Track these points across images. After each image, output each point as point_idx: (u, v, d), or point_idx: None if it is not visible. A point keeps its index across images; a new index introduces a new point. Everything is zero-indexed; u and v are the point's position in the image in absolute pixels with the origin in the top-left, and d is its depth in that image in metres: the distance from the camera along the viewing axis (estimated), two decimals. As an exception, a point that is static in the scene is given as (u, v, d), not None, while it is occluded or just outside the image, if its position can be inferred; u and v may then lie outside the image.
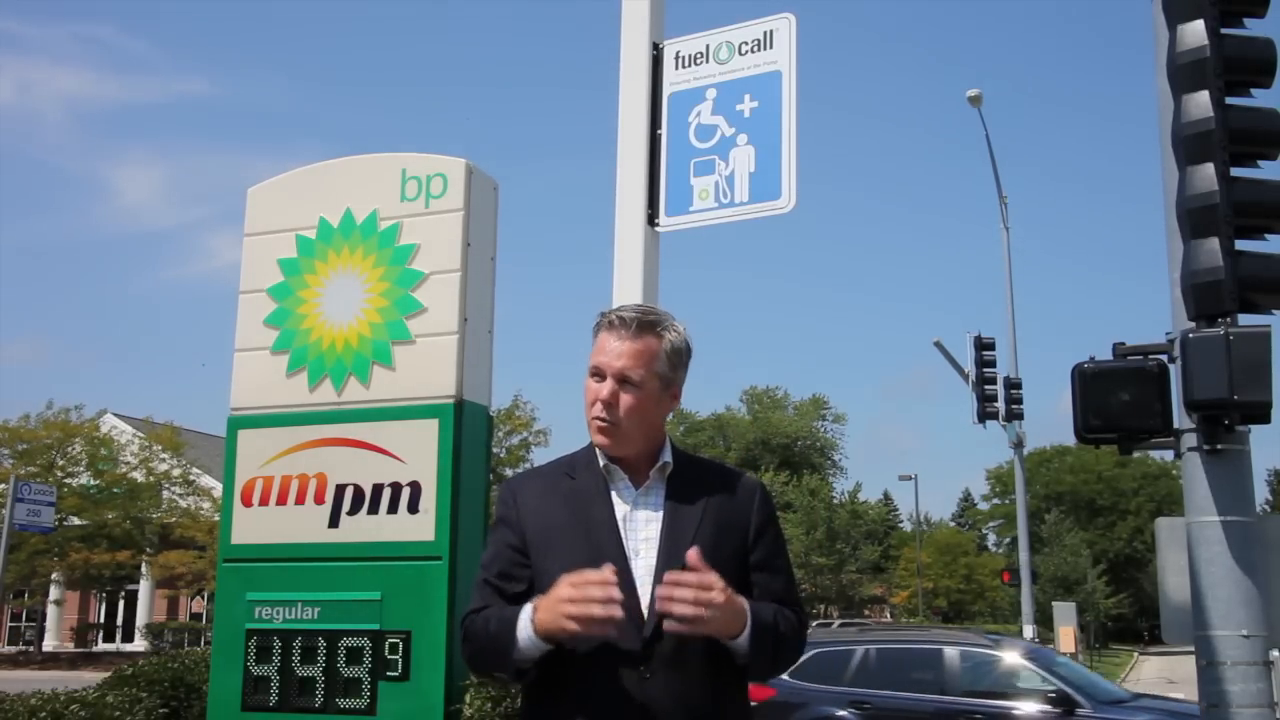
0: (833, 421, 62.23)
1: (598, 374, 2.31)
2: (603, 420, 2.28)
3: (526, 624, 2.14)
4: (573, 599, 2.06)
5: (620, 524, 2.27)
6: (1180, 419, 5.46)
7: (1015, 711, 9.29)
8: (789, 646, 2.29)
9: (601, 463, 2.33)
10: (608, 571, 2.08)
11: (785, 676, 10.19)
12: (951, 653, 10.01)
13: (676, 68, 5.29)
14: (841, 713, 9.65)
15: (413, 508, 4.59)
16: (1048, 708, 9.06)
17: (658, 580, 2.18)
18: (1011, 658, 10.03)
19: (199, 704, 6.44)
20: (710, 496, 2.32)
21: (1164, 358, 5.47)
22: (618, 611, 2.05)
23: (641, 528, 2.28)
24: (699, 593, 2.06)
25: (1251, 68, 5.33)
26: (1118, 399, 5.41)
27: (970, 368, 21.82)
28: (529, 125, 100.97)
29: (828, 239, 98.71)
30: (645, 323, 2.33)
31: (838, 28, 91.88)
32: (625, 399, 2.28)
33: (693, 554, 2.11)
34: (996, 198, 24.03)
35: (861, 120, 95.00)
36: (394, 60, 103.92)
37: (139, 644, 36.52)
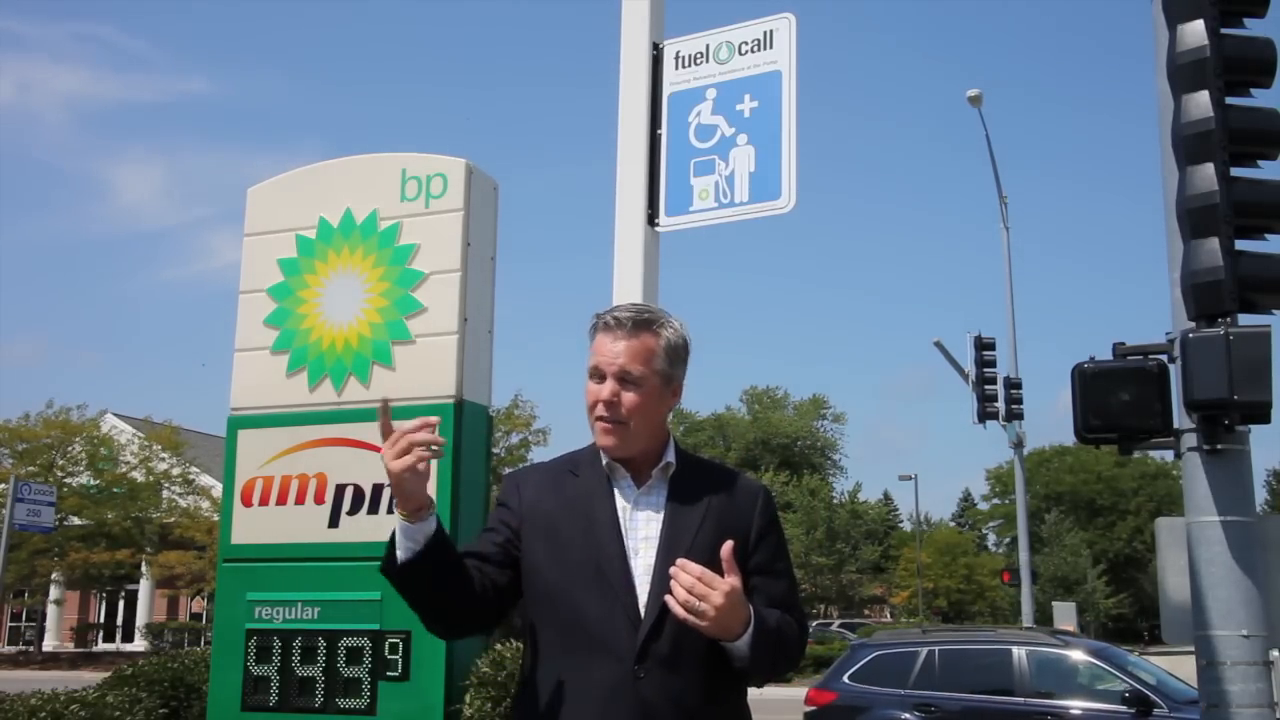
0: (833, 421, 62.30)
1: (597, 375, 2.30)
2: (606, 420, 2.27)
3: (396, 517, 2.15)
4: (392, 442, 2.07)
5: (621, 522, 2.27)
6: (1180, 419, 5.46)
7: (1089, 713, 9.04)
8: (789, 653, 2.28)
9: (604, 461, 2.33)
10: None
11: (846, 679, 10.03)
12: (1020, 653, 9.69)
13: (676, 68, 5.29)
14: (906, 716, 9.43)
15: (413, 508, 4.59)
16: (1123, 708, 8.79)
17: (655, 580, 2.18)
18: (1082, 657, 9.74)
19: (199, 704, 6.44)
20: (712, 498, 2.31)
21: (1164, 358, 5.47)
22: (434, 430, 2.07)
23: (642, 527, 2.27)
24: (697, 585, 2.06)
25: (1251, 68, 5.34)
26: (1118, 399, 5.41)
27: (970, 368, 21.84)
28: (529, 125, 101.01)
29: (828, 239, 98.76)
30: (641, 321, 2.33)
31: (838, 27, 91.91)
32: (627, 397, 2.28)
33: (726, 549, 2.11)
34: (996, 198, 24.06)
35: (861, 120, 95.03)
36: (394, 60, 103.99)
37: (139, 644, 36.53)
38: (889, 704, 9.62)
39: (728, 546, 2.12)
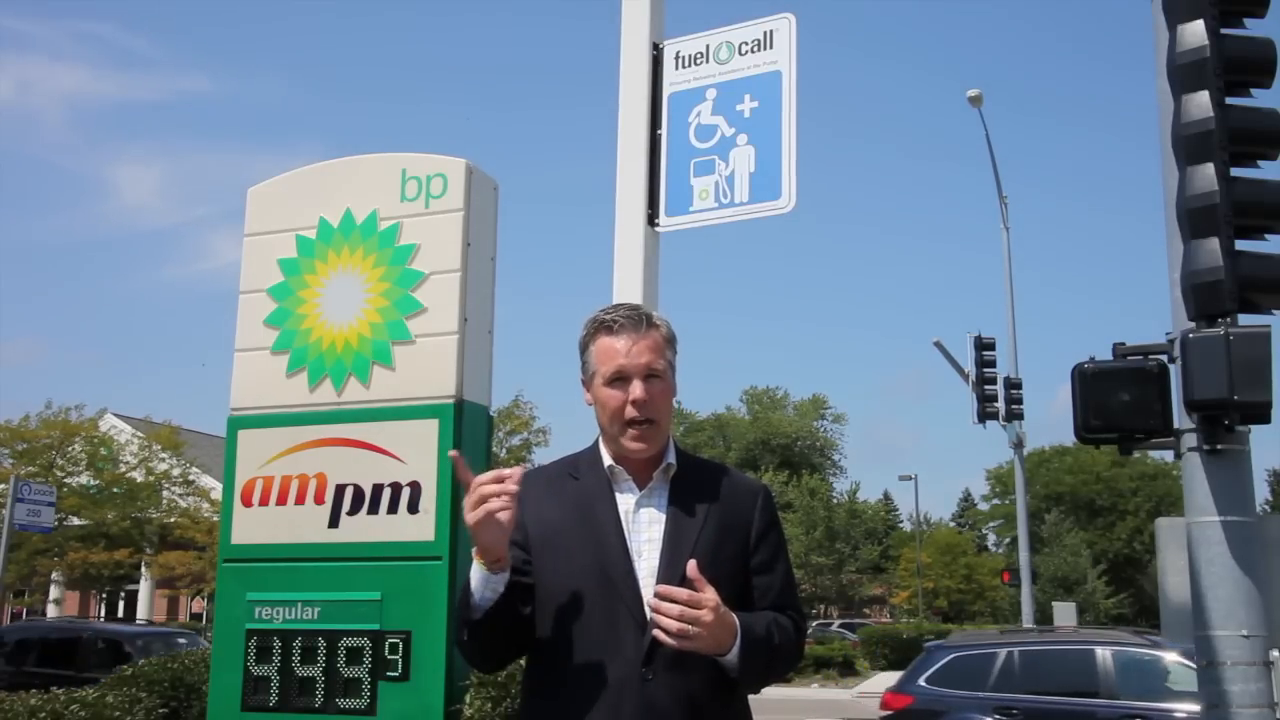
0: (832, 421, 62.35)
1: (620, 378, 2.27)
2: (642, 422, 2.26)
3: (474, 562, 2.16)
4: (470, 494, 2.09)
5: (624, 525, 2.27)
6: (1180, 419, 5.46)
7: (1178, 716, 8.60)
8: (783, 657, 2.29)
9: (606, 463, 2.33)
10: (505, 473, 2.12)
11: (922, 682, 9.68)
12: (1104, 653, 9.31)
13: (676, 68, 5.29)
14: None
15: (413, 508, 4.59)
16: None
17: (660, 581, 2.18)
18: (1172, 657, 9.18)
19: (199, 704, 6.44)
20: (713, 499, 2.31)
21: (1164, 358, 5.47)
22: (511, 485, 2.08)
23: (644, 529, 2.27)
24: (687, 610, 2.06)
25: (1251, 68, 5.33)
26: (1118, 399, 5.41)
27: (970, 368, 21.85)
28: (529, 125, 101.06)
29: (828, 239, 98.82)
30: (645, 316, 2.34)
31: (838, 27, 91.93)
32: (657, 394, 2.28)
33: (691, 567, 2.10)
34: (997, 198, 24.06)
35: (862, 120, 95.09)
36: (395, 60, 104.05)
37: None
38: (967, 707, 9.29)
39: (692, 566, 2.11)
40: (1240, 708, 5.06)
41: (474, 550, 2.16)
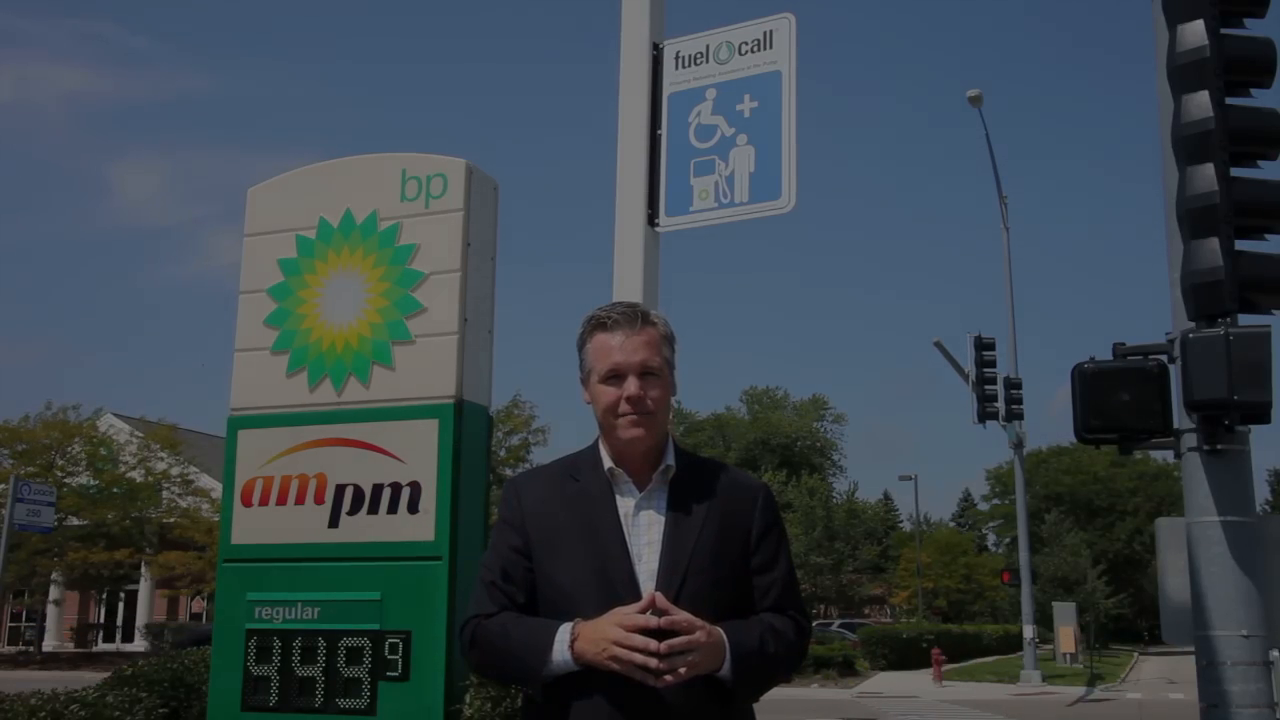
0: (832, 421, 62.39)
1: (615, 375, 2.28)
2: (636, 416, 2.26)
3: (564, 649, 2.13)
4: (622, 644, 2.07)
5: (624, 527, 2.26)
6: (1180, 419, 5.46)
7: None
8: (782, 663, 2.29)
9: (606, 465, 2.32)
10: (652, 619, 2.08)
11: None
12: None
13: (676, 68, 5.29)
14: None
15: (413, 508, 4.59)
16: None
17: (660, 584, 2.18)
18: None
19: (199, 704, 6.42)
20: (713, 499, 2.30)
21: (1164, 358, 5.47)
22: (667, 680, 2.07)
23: (644, 531, 2.27)
24: (682, 656, 2.07)
25: (1251, 68, 5.34)
26: (1118, 399, 5.40)
27: (970, 368, 21.88)
28: (529, 125, 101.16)
29: (828, 239, 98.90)
30: (642, 314, 2.34)
31: (838, 27, 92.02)
32: (652, 391, 2.28)
33: (660, 600, 2.11)
34: (997, 198, 24.06)
35: (862, 120, 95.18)
36: (395, 60, 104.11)
37: (139, 644, 36.48)
38: None
39: (661, 598, 2.11)
40: (1240, 708, 5.06)
41: (576, 645, 2.12)
